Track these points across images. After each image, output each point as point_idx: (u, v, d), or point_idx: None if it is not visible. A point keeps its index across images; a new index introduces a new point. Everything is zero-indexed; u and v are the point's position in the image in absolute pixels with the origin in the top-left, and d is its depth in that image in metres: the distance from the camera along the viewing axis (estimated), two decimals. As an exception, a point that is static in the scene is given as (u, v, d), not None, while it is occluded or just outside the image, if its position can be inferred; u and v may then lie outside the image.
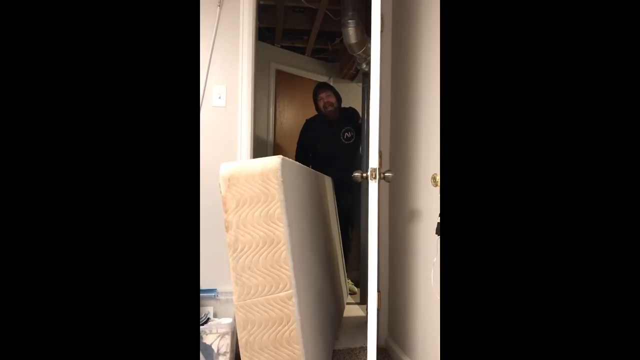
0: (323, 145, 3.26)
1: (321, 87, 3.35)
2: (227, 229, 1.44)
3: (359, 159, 3.22)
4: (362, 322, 2.77)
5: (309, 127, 3.40)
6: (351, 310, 3.07)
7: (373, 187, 1.40)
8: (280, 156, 1.48)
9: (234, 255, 1.44)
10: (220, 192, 1.45)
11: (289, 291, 1.44)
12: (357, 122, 3.27)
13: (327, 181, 2.95)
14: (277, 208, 1.42)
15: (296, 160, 3.10)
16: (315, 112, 3.47)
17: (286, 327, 1.44)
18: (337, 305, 2.45)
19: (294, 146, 3.55)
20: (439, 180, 1.53)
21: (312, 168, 2.92)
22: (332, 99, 3.21)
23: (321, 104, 3.24)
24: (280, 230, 1.43)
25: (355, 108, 3.45)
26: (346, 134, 3.24)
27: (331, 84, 4.03)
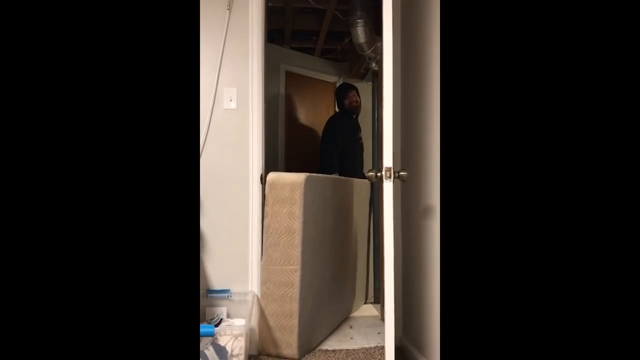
0: (347, 142, 3.27)
1: (349, 87, 3.50)
2: (265, 217, 2.20)
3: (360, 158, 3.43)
4: (377, 322, 2.76)
5: (336, 125, 3.33)
6: (365, 310, 3.05)
7: (388, 186, 1.38)
8: (307, 174, 2.19)
9: (267, 235, 2.20)
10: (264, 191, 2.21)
11: (295, 266, 2.15)
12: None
13: (361, 186, 2.96)
14: (296, 209, 2.15)
15: (324, 158, 3.16)
16: (329, 112, 3.62)
17: (290, 289, 2.15)
18: (344, 297, 2.72)
19: (306, 147, 3.56)
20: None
21: (338, 166, 3.11)
22: (358, 98, 3.47)
23: (347, 102, 3.39)
24: (297, 225, 2.15)
25: (367, 108, 3.56)
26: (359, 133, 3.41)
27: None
